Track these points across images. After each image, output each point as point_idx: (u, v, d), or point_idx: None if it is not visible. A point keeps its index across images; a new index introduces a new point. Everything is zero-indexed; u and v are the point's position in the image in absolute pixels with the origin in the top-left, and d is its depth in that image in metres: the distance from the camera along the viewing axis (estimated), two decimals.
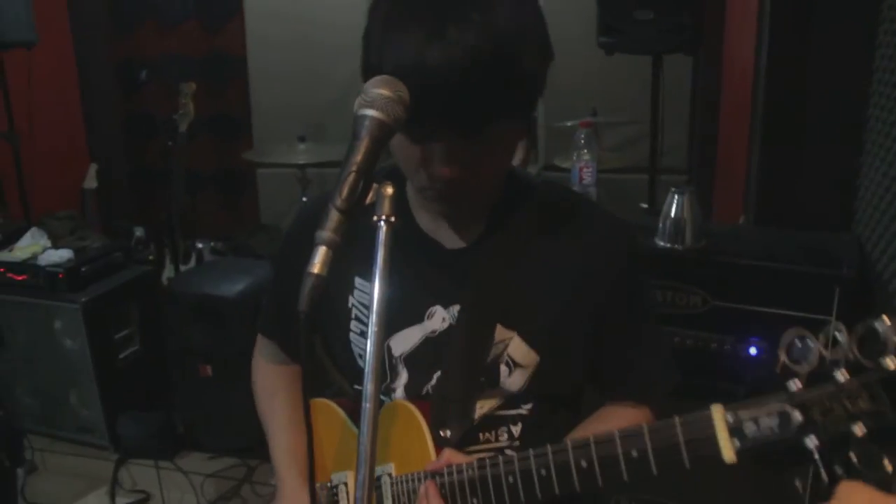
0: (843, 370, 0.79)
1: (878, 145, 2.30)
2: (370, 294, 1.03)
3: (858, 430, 0.77)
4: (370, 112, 1.01)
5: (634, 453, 0.98)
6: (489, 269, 1.26)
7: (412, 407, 1.26)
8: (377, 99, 1.01)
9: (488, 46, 1.04)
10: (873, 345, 0.76)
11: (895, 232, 2.05)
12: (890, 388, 0.75)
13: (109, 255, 3.46)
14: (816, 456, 0.81)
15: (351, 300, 1.35)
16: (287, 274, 1.36)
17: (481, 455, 1.18)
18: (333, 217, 0.98)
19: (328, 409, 1.42)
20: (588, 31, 3.20)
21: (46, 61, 4.63)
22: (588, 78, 3.93)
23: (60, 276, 3.21)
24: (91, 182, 4.57)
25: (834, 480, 0.78)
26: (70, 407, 3.45)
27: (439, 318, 1.29)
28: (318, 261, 0.95)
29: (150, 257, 4.07)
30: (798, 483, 0.83)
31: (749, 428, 0.86)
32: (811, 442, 0.81)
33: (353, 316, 1.35)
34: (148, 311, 3.56)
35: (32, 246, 3.39)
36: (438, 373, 1.28)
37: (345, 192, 0.99)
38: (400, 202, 1.12)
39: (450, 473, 1.16)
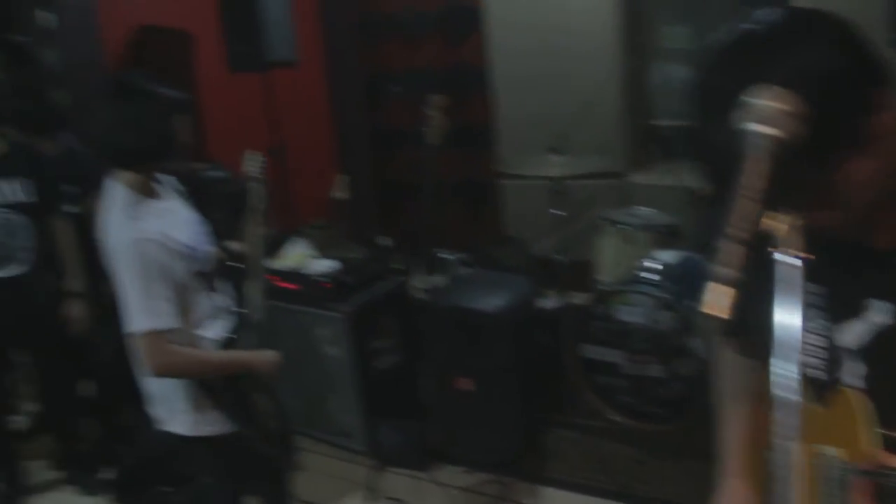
0: None
1: None
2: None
3: None
4: (762, 128, 0.91)
5: None
6: None
7: (861, 398, 1.21)
8: (770, 113, 0.91)
9: None
10: None
11: None
12: None
13: (370, 267, 3.56)
14: None
15: None
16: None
17: None
18: (734, 252, 0.89)
19: None
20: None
21: (300, 78, 4.87)
22: None
23: (328, 286, 3.33)
24: (341, 193, 4.75)
25: None
26: (330, 411, 3.58)
27: (881, 313, 1.22)
28: (726, 304, 0.86)
29: (397, 267, 4.16)
30: None
31: None
32: None
33: None
34: (406, 322, 3.63)
35: (299, 255, 3.54)
36: (886, 367, 1.22)
37: (742, 222, 0.90)
38: None
39: (884, 475, 1.12)
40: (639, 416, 3.42)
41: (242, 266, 2.55)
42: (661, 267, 3.43)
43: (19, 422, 3.90)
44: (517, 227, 4.98)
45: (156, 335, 2.12)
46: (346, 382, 3.45)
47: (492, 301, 3.21)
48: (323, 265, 3.42)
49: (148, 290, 2.11)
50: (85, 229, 3.50)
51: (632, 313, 3.34)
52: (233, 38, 4.21)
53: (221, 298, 2.40)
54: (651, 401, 3.34)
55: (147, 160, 2.23)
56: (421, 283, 3.97)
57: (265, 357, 2.41)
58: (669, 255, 3.50)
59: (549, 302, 4.08)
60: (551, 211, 3.83)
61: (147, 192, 2.24)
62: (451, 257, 4.20)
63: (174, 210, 2.32)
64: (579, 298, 3.84)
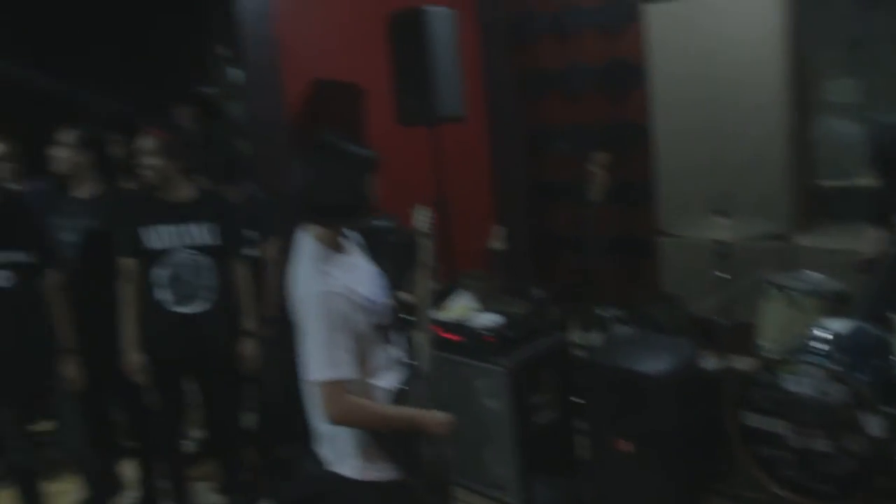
0: None
1: None
2: None
3: None
4: None
5: None
6: None
7: None
8: None
9: None
10: None
11: None
12: None
13: (531, 322, 3.59)
14: None
15: None
16: None
17: None
18: None
19: None
20: None
21: (464, 132, 4.99)
22: None
23: (491, 339, 3.39)
24: (499, 244, 4.82)
25: None
26: (485, 463, 3.62)
27: None
28: None
29: (553, 320, 4.17)
30: None
31: None
32: None
33: None
34: (565, 378, 3.63)
35: (462, 307, 3.63)
36: None
37: None
38: None
39: None
40: (804, 491, 3.27)
41: (411, 317, 2.64)
42: (830, 336, 3.30)
43: (188, 445, 4.15)
44: (676, 285, 4.90)
45: (335, 385, 2.22)
46: (504, 435, 3.48)
47: (654, 363, 3.18)
48: (486, 318, 3.49)
49: (331, 341, 2.21)
50: (259, 272, 3.72)
51: (799, 383, 3.21)
52: (404, 93, 4.38)
53: (395, 350, 2.49)
54: (817, 476, 3.19)
55: (341, 217, 2.37)
56: (578, 339, 3.97)
57: (437, 418, 2.46)
58: (839, 324, 3.36)
59: (709, 364, 4.00)
60: (716, 273, 3.75)
61: (335, 246, 2.37)
62: (608, 314, 4.18)
63: (358, 265, 2.44)
64: (740, 363, 3.73)
